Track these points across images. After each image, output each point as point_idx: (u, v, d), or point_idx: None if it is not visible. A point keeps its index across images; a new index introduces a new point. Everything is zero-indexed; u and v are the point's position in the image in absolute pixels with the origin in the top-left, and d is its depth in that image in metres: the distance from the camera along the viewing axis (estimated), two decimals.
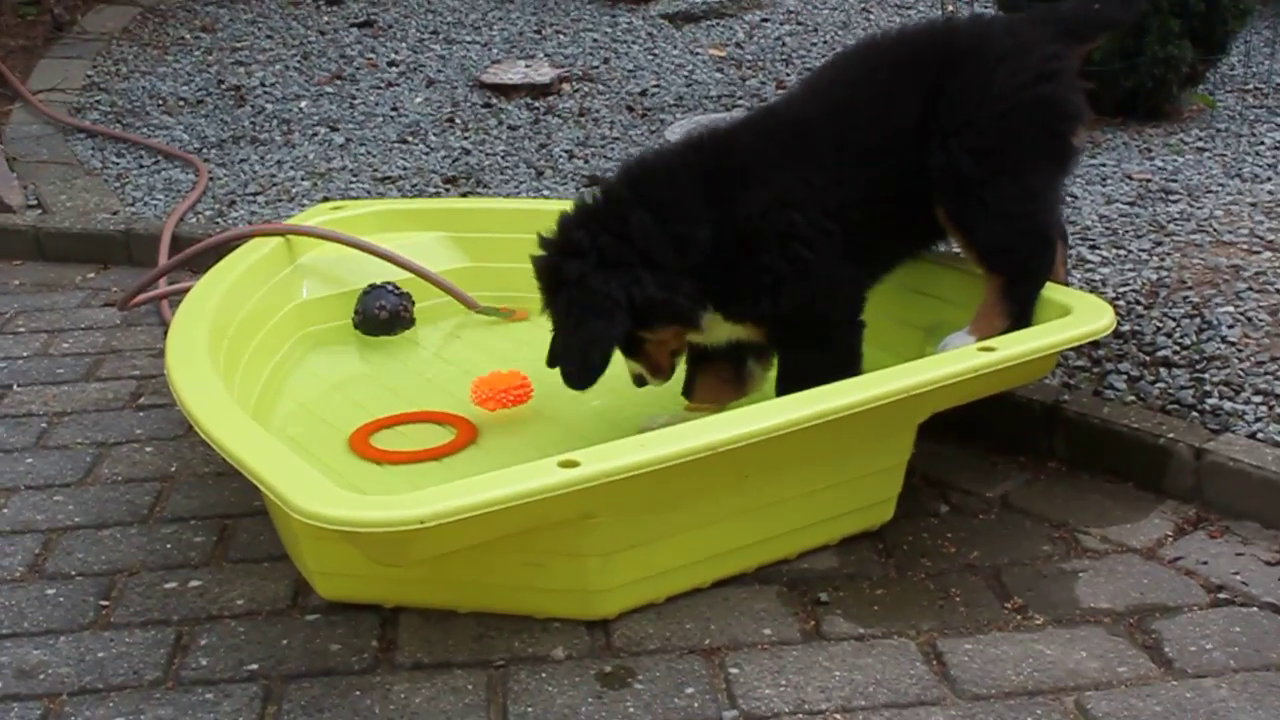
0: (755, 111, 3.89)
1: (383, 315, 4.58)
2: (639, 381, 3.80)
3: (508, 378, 4.11)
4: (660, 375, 3.79)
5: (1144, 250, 4.75)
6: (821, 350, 3.69)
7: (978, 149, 3.69)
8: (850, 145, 3.72)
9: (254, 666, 3.21)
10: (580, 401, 3.92)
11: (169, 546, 3.73)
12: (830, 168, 3.68)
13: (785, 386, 3.66)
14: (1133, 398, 3.96)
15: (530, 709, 3.03)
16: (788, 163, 3.67)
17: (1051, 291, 3.80)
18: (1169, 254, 4.69)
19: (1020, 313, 3.73)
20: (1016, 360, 3.49)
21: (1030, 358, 3.53)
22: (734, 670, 3.14)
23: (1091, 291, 4.22)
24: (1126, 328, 4.21)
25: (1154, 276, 4.51)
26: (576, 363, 3.62)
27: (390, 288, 4.61)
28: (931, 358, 3.55)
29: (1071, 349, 3.99)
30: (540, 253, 3.69)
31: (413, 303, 4.65)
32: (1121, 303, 4.33)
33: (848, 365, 3.66)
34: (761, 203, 3.61)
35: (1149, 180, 5.53)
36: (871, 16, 8.60)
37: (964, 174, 3.68)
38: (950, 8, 7.57)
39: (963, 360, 3.45)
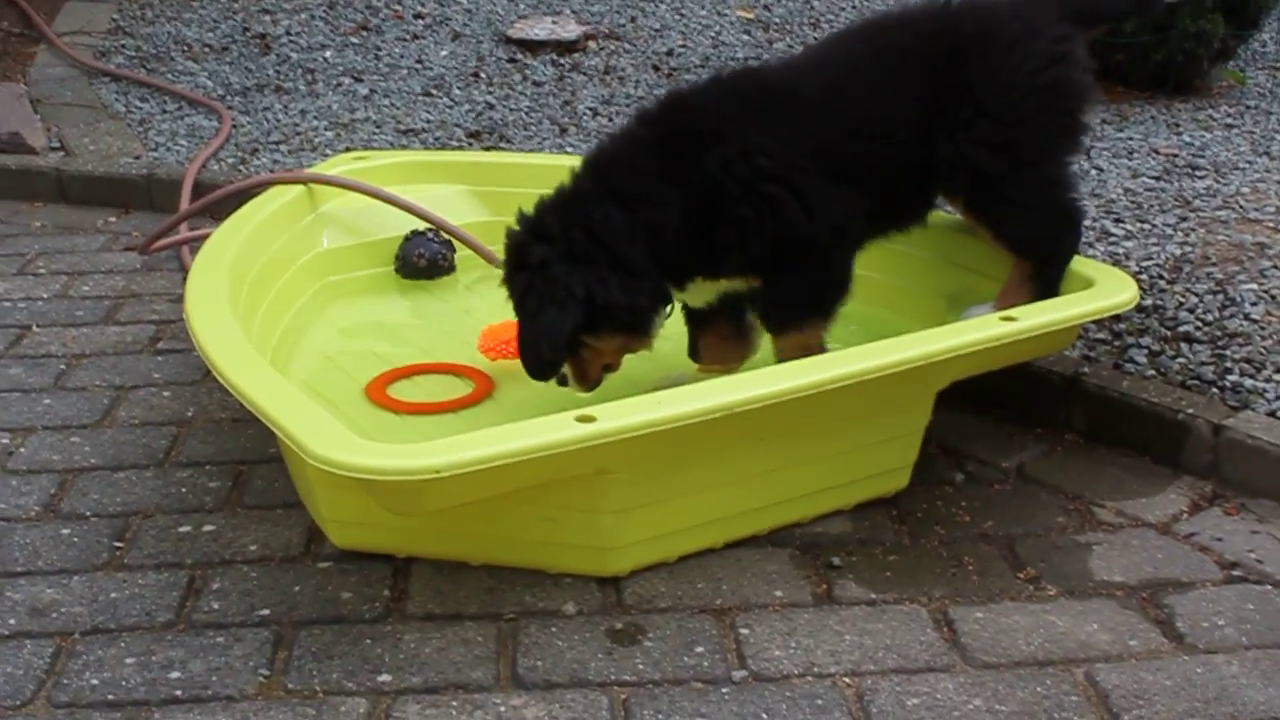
0: (727, 73, 3.78)
1: (420, 262, 4.63)
2: (561, 381, 3.65)
3: (510, 326, 4.10)
4: (585, 384, 3.67)
5: (1169, 225, 4.73)
6: (810, 274, 3.63)
7: (995, 142, 3.64)
8: (838, 120, 3.63)
9: (265, 612, 3.22)
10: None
11: (184, 490, 3.74)
12: (807, 125, 3.59)
13: (772, 310, 3.66)
14: (1153, 372, 3.94)
15: (540, 663, 3.03)
16: (752, 119, 3.57)
17: (1076, 264, 3.78)
18: (1194, 229, 4.66)
19: (1046, 293, 3.71)
20: (1038, 331, 3.47)
21: (1052, 329, 3.51)
22: (744, 631, 3.14)
23: (1114, 265, 4.21)
24: (1149, 302, 4.19)
25: (1178, 252, 4.48)
26: (529, 352, 3.55)
27: (431, 235, 4.64)
28: (953, 325, 3.54)
29: (1093, 321, 3.96)
30: (515, 228, 3.63)
31: (453, 251, 4.68)
32: (1144, 277, 4.31)
33: (840, 288, 3.66)
34: (720, 159, 3.51)
35: (1176, 155, 5.50)
36: None
37: (983, 168, 3.64)
38: None
39: (984, 329, 3.44)
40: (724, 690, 2.96)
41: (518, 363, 3.95)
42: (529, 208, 3.62)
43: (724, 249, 3.57)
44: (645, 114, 3.69)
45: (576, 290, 3.44)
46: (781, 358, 3.67)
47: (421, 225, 4.67)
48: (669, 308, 3.67)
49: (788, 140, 3.55)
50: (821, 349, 3.66)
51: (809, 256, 3.60)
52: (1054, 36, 3.74)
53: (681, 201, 3.52)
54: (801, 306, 3.67)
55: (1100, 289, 3.65)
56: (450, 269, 4.68)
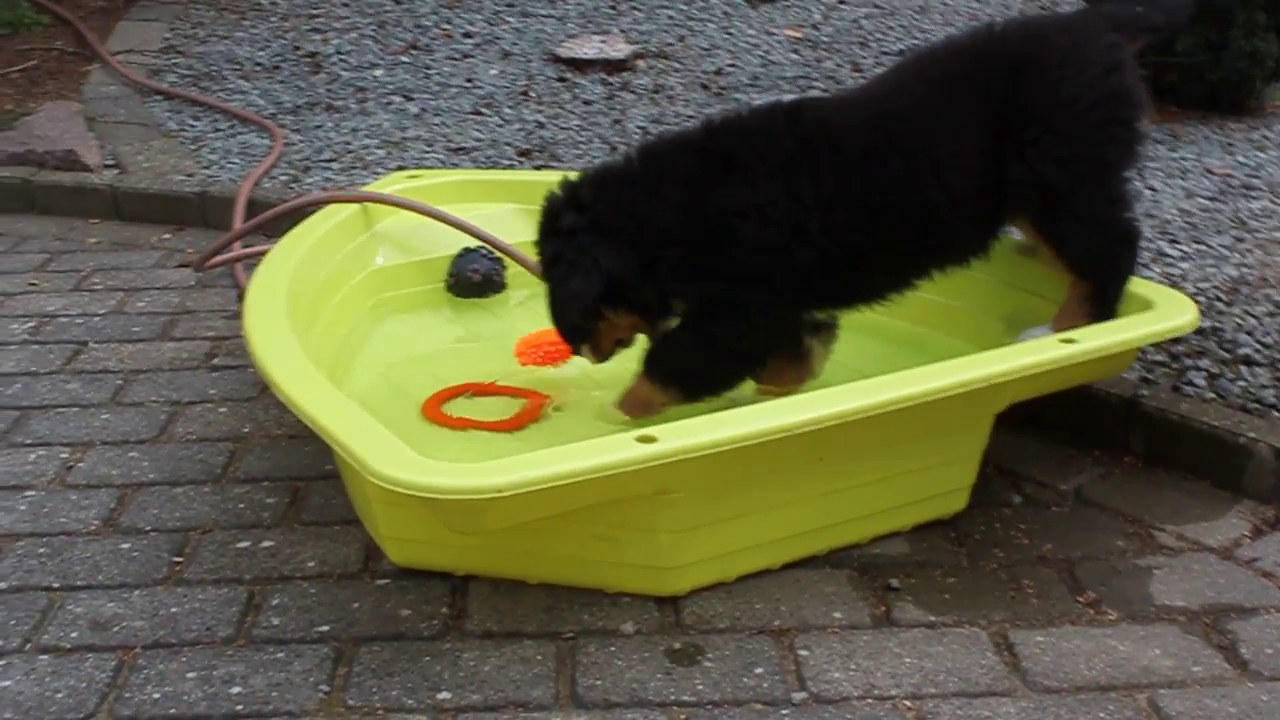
0: (792, 102, 3.78)
1: (475, 278, 4.65)
2: (575, 350, 3.84)
3: (547, 334, 4.15)
4: (597, 355, 3.80)
5: (1224, 246, 4.71)
6: (713, 355, 3.66)
7: (1062, 158, 3.62)
8: (881, 165, 3.61)
9: (325, 628, 3.23)
10: None
11: (241, 506, 3.76)
12: (834, 188, 3.57)
13: (657, 352, 3.69)
14: (1212, 395, 3.91)
15: (599, 682, 3.03)
16: (784, 171, 3.57)
17: (1134, 285, 3.76)
18: (1250, 250, 4.64)
19: (1104, 314, 3.69)
20: (1098, 353, 3.45)
21: (1112, 351, 3.49)
22: (803, 652, 3.13)
23: (1171, 286, 4.18)
24: (1207, 324, 4.16)
25: (1235, 273, 4.46)
26: (559, 316, 3.70)
27: (484, 252, 4.66)
28: (1012, 347, 3.51)
29: (1151, 344, 3.94)
30: (555, 191, 3.73)
31: (504, 268, 4.70)
32: (1202, 299, 4.29)
33: (721, 383, 3.69)
34: (739, 202, 3.53)
35: (1230, 176, 5.47)
36: (949, 1, 8.53)
37: (1051, 185, 3.62)
38: None
39: (1044, 351, 3.42)
40: (784, 712, 2.95)
41: (557, 371, 3.99)
42: (578, 176, 3.74)
43: (690, 277, 3.59)
44: (709, 121, 3.73)
45: (601, 261, 3.56)
46: (624, 397, 3.74)
47: (473, 243, 4.68)
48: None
49: (805, 208, 3.54)
50: (658, 413, 3.66)
51: (730, 331, 3.61)
52: (1105, 45, 3.73)
53: (683, 211, 3.56)
54: (682, 370, 3.69)
55: (1160, 311, 3.63)
56: (502, 286, 4.70)
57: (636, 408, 3.72)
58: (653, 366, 3.69)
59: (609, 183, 3.67)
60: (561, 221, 3.66)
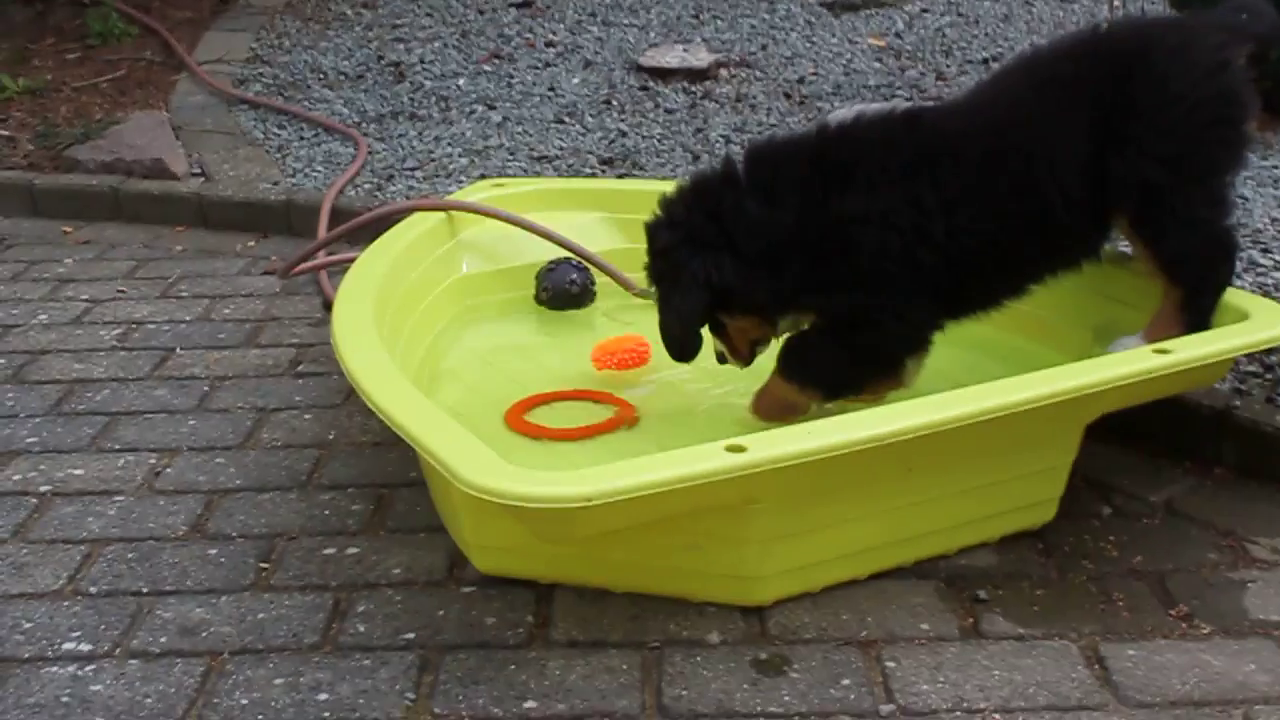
0: (905, 112, 3.79)
1: (574, 289, 4.65)
2: (720, 359, 3.83)
3: (624, 340, 4.23)
4: (739, 359, 3.80)
5: None
6: (856, 350, 3.64)
7: (1164, 155, 3.58)
8: (998, 169, 3.60)
9: (411, 635, 3.23)
10: (740, 392, 3.91)
11: (327, 513, 3.78)
12: (955, 192, 3.56)
13: (794, 351, 3.68)
14: None
15: (685, 692, 3.02)
16: (904, 178, 3.56)
17: (1229, 295, 3.70)
18: None
19: (1198, 324, 3.63)
20: (1191, 364, 3.40)
21: (1206, 362, 3.44)
22: (890, 664, 3.10)
23: (1263, 296, 4.11)
24: None
25: None
26: (666, 335, 3.69)
27: (574, 263, 4.65)
28: (1105, 357, 3.47)
29: (1245, 354, 3.88)
30: (656, 211, 3.74)
31: (593, 278, 4.69)
32: None
33: (863, 382, 3.68)
34: (860, 210, 3.52)
35: None
36: (1034, 9, 8.47)
37: (1152, 182, 3.57)
38: (1116, 3, 7.44)
39: (1137, 361, 3.37)
40: None
41: (671, 394, 3.97)
42: (673, 190, 3.74)
43: (812, 286, 3.58)
44: (824, 126, 3.73)
45: (698, 273, 3.56)
46: (759, 400, 3.74)
47: (558, 254, 4.68)
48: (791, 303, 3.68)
49: (927, 213, 3.53)
50: (793, 420, 3.63)
51: (871, 338, 3.61)
52: (1214, 45, 3.68)
53: (800, 218, 3.54)
54: (825, 372, 3.68)
55: (1255, 321, 3.57)
56: (594, 296, 4.70)
57: (775, 410, 3.70)
58: (792, 369, 3.68)
59: (704, 192, 3.66)
60: (659, 241, 3.68)
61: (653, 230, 3.72)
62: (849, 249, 3.53)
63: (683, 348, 3.70)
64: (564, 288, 4.63)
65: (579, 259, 4.66)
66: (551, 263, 4.66)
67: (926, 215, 3.53)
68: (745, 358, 3.80)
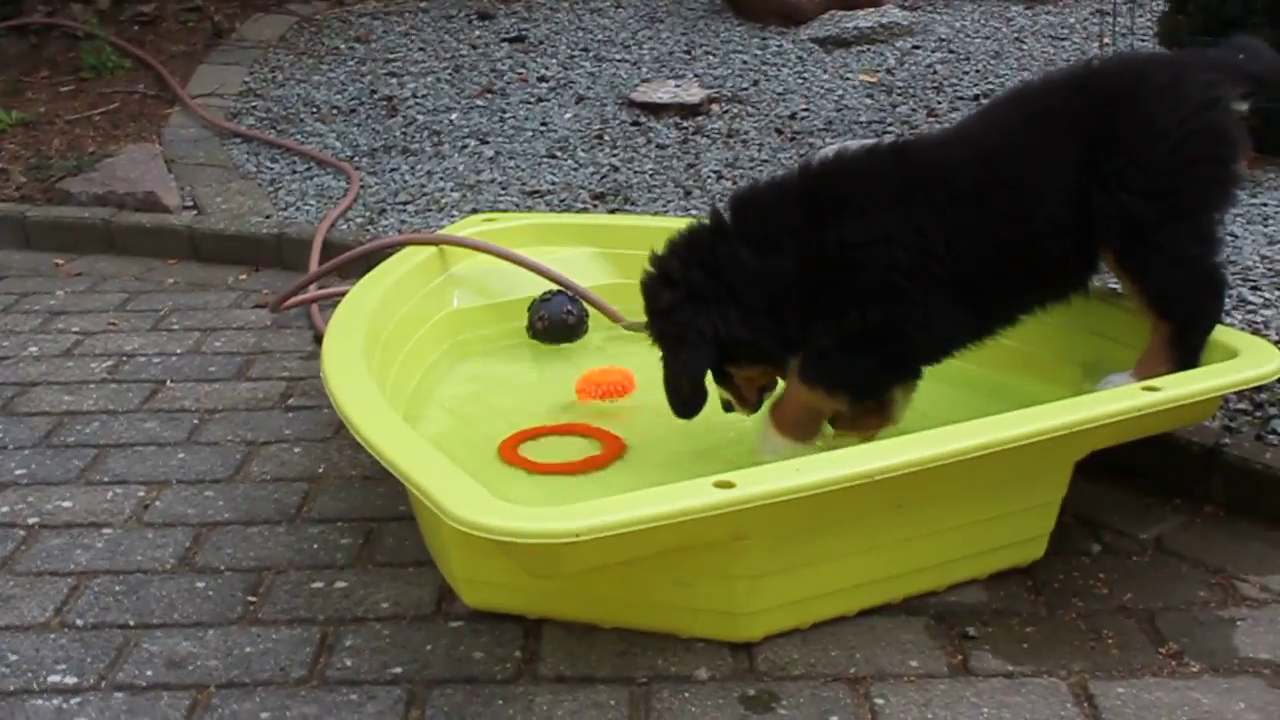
0: (890, 145, 3.79)
1: (570, 320, 4.64)
2: (726, 407, 3.81)
3: (609, 372, 4.27)
4: (746, 407, 3.79)
5: None
6: (881, 358, 3.62)
7: (1150, 191, 3.58)
8: (990, 198, 3.61)
9: (398, 670, 3.22)
10: (729, 425, 3.91)
11: (315, 546, 3.77)
12: (949, 218, 3.57)
13: (817, 360, 3.62)
14: None
15: None
16: (898, 204, 3.57)
17: (1218, 333, 3.71)
18: None
19: (1187, 361, 3.63)
20: (1180, 401, 3.40)
21: (1195, 399, 3.44)
22: (879, 701, 3.09)
23: (1253, 334, 4.12)
24: None
25: None
26: (672, 393, 3.67)
27: (567, 295, 4.65)
28: (1094, 394, 3.47)
29: (1234, 392, 3.88)
30: (648, 268, 3.72)
31: (587, 311, 4.70)
32: None
33: (890, 386, 3.68)
34: (860, 235, 3.52)
35: None
36: (1025, 46, 8.50)
37: (1137, 218, 3.58)
38: (1106, 40, 7.47)
39: (1126, 399, 3.37)
40: None
41: (660, 428, 3.96)
42: (660, 246, 3.72)
43: (823, 314, 3.57)
44: (806, 166, 3.72)
45: (705, 330, 3.55)
46: (778, 411, 3.71)
47: (533, 289, 4.68)
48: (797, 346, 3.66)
49: (926, 235, 3.54)
50: (819, 428, 3.66)
51: (896, 348, 3.60)
52: (1204, 83, 3.69)
53: (796, 259, 3.54)
54: (851, 378, 3.65)
55: (1244, 359, 3.57)
56: (587, 329, 4.70)
57: (796, 419, 3.68)
58: (816, 375, 3.63)
59: (698, 247, 3.65)
60: (660, 301, 3.66)
61: (651, 289, 3.70)
62: (855, 271, 3.52)
63: (689, 404, 3.67)
64: (560, 318, 4.62)
65: (569, 293, 4.66)
66: (545, 294, 4.66)
67: (927, 236, 3.54)
68: (753, 405, 3.79)
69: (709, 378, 3.68)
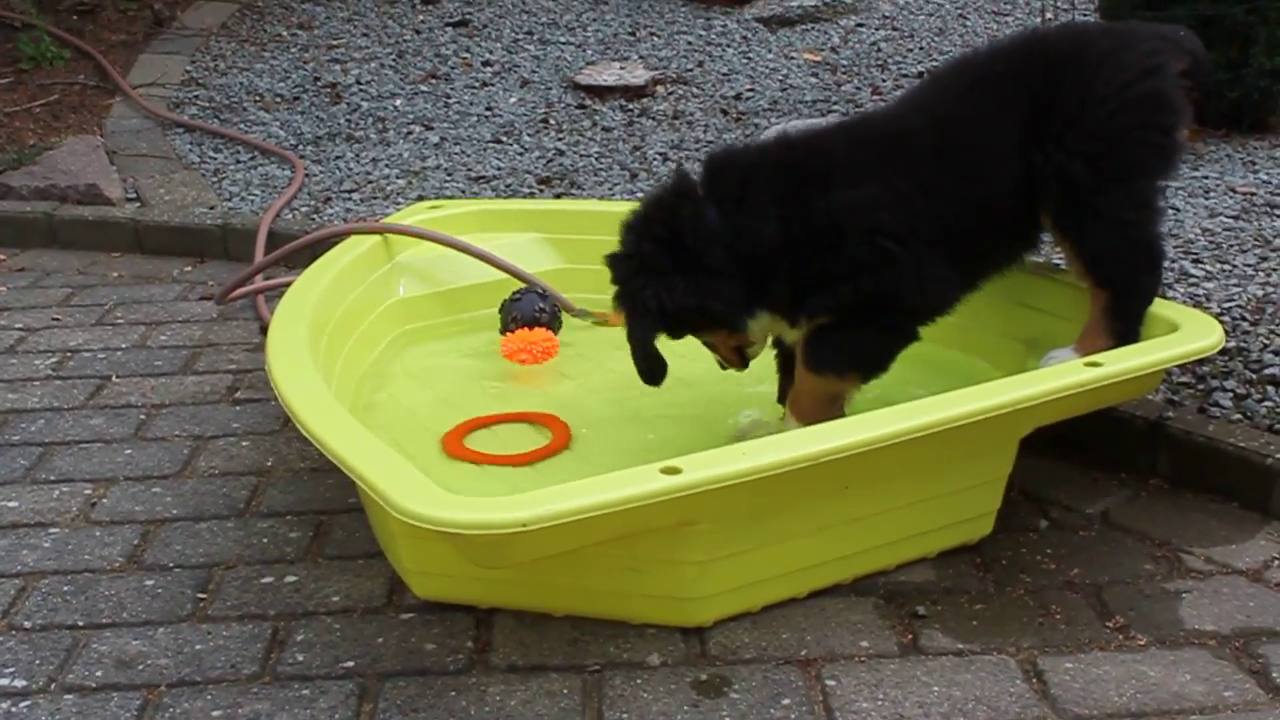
0: (852, 118, 3.84)
1: (543, 317, 4.60)
2: (722, 365, 3.85)
3: (531, 334, 4.42)
4: (732, 364, 3.82)
5: (1249, 265, 4.68)
6: (883, 330, 3.64)
7: (1088, 153, 3.62)
8: (949, 161, 3.66)
9: (350, 664, 3.21)
10: (677, 407, 3.92)
11: (265, 541, 3.75)
12: (924, 180, 3.61)
13: (823, 346, 3.64)
14: (1239, 416, 3.88)
15: (626, 715, 3.01)
16: (877, 171, 3.61)
17: (1158, 307, 3.74)
18: (1275, 269, 4.61)
19: (1127, 331, 3.66)
20: (1123, 376, 3.43)
21: (1137, 374, 3.47)
22: (830, 682, 3.11)
23: (1195, 307, 4.15)
24: (1232, 344, 4.14)
25: (1260, 292, 4.43)
26: (635, 363, 3.69)
27: (536, 291, 4.63)
28: (1037, 372, 3.50)
29: (1177, 365, 3.91)
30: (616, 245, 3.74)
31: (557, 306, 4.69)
32: (1227, 319, 4.26)
33: (896, 352, 3.67)
34: (847, 202, 3.54)
35: (1253, 194, 5.44)
36: (968, 22, 8.53)
37: (1075, 180, 3.62)
38: (1049, 15, 7.51)
39: (1069, 375, 3.39)
40: None
41: (609, 413, 3.97)
42: (629, 216, 3.73)
43: (815, 287, 3.58)
44: (786, 138, 3.73)
45: (649, 302, 3.57)
46: (797, 404, 3.71)
47: (501, 278, 4.67)
48: (765, 309, 3.67)
49: (907, 198, 3.57)
50: (841, 409, 3.66)
51: (893, 316, 3.61)
52: (1145, 50, 3.73)
53: (782, 227, 3.54)
54: (857, 354, 3.66)
55: (1185, 333, 3.60)
56: (561, 324, 4.68)
57: (817, 407, 3.66)
58: (824, 361, 3.64)
59: (656, 214, 3.66)
60: (616, 274, 3.69)
61: (611, 263, 3.72)
62: (844, 238, 3.53)
63: (649, 373, 3.69)
64: (533, 316, 4.59)
65: (531, 284, 4.65)
66: (515, 294, 4.64)
67: (908, 198, 3.57)
68: (739, 364, 3.82)
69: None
